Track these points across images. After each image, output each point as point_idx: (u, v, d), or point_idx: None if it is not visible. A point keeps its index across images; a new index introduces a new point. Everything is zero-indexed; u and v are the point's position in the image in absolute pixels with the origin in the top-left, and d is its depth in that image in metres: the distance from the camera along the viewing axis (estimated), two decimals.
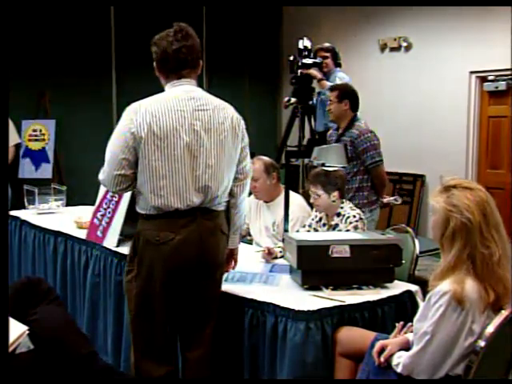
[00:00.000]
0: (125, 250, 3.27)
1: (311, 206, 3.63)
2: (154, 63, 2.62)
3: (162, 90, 2.64)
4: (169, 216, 2.52)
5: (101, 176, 2.60)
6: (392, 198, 4.45)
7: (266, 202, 3.87)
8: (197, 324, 2.68)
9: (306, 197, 3.78)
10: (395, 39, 7.19)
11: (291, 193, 3.73)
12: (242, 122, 2.70)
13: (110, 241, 3.45)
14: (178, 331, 2.71)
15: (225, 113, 2.61)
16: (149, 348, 2.59)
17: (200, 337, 2.68)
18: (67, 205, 4.86)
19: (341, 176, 3.45)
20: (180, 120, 2.50)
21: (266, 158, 3.89)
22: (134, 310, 2.61)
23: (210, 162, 2.55)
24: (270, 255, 3.34)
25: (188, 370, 2.71)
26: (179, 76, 2.57)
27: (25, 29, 6.44)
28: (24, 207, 4.79)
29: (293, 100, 5.16)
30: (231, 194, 2.73)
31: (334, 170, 3.39)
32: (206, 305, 2.68)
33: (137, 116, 2.48)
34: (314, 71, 4.96)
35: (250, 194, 3.95)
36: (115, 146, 2.51)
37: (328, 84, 4.92)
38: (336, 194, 3.37)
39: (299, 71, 4.97)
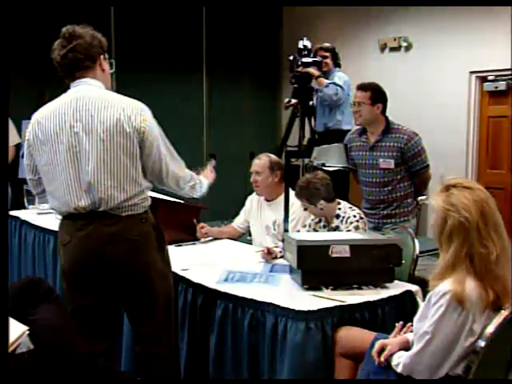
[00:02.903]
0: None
1: None
2: None
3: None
4: (68, 218, 2.59)
5: None
6: (424, 198, 4.22)
7: (268, 200, 3.88)
8: (138, 322, 2.70)
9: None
10: (395, 39, 7.19)
11: (293, 193, 3.74)
12: (138, 118, 2.51)
13: None
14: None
15: (110, 111, 2.49)
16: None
17: (145, 334, 2.69)
18: None
19: (321, 181, 3.40)
20: (60, 123, 2.52)
21: (273, 156, 3.94)
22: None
23: (93, 163, 2.47)
24: (269, 255, 3.35)
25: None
26: (73, 78, 2.59)
27: (25, 29, 6.45)
28: (24, 207, 4.79)
29: (293, 101, 5.18)
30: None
31: (314, 180, 3.39)
32: (136, 304, 2.65)
33: (30, 123, 2.62)
34: (312, 69, 4.97)
35: (251, 192, 3.98)
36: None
37: (326, 81, 4.92)
38: (322, 202, 3.38)
39: (298, 69, 4.99)
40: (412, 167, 3.85)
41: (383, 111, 3.89)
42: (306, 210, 3.57)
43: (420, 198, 4.00)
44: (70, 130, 2.50)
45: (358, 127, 4.07)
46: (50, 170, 2.55)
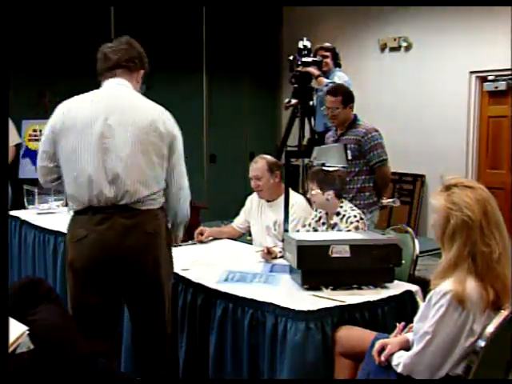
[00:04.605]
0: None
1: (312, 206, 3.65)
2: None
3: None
4: (84, 213, 2.60)
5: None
6: (391, 200, 4.45)
7: (268, 201, 3.88)
8: (143, 320, 2.72)
9: (307, 197, 3.78)
10: (395, 39, 7.19)
11: (293, 193, 3.74)
12: (172, 123, 2.73)
13: None
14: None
15: (145, 111, 2.64)
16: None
17: (150, 332, 2.73)
18: (67, 205, 4.85)
19: (340, 177, 3.46)
20: (94, 114, 2.59)
21: (269, 157, 3.91)
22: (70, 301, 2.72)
23: (124, 156, 2.56)
24: (269, 255, 3.35)
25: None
26: (112, 76, 2.74)
27: (24, 29, 6.44)
28: (24, 207, 4.79)
29: (293, 101, 5.19)
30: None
31: (335, 171, 3.40)
32: (145, 301, 2.69)
33: (57, 110, 2.67)
34: (312, 69, 4.97)
35: (252, 192, 3.98)
36: (41, 140, 2.71)
37: (326, 81, 4.93)
38: (331, 193, 3.38)
39: (298, 69, 4.99)
40: (369, 161, 4.11)
41: (352, 108, 4.22)
42: (308, 200, 3.56)
43: (385, 200, 4.29)
44: (103, 122, 2.57)
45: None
46: (76, 158, 2.57)
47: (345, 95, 4.16)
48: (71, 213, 2.72)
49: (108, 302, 2.69)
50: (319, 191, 3.40)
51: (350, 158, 3.92)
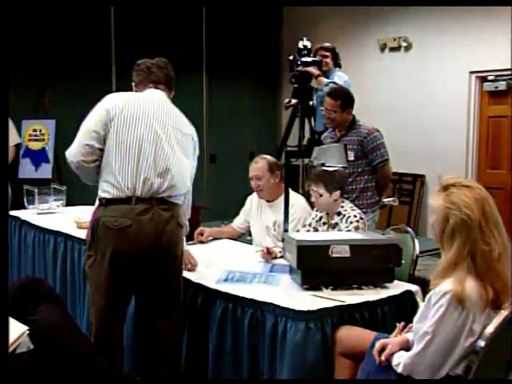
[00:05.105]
0: None
1: (312, 206, 3.64)
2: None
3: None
4: (126, 202, 2.68)
5: (69, 149, 2.80)
6: (391, 199, 4.47)
7: (268, 201, 3.88)
8: (161, 310, 2.82)
9: (307, 197, 3.78)
10: (395, 39, 7.19)
11: (293, 193, 3.74)
12: (195, 132, 3.00)
13: None
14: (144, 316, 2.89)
15: (181, 118, 2.94)
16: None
17: (165, 324, 2.82)
18: (67, 205, 4.86)
19: (342, 176, 3.47)
20: (144, 111, 2.78)
21: (269, 157, 3.90)
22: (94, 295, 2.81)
23: (170, 154, 2.77)
24: (269, 255, 3.34)
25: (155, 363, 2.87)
26: (155, 87, 2.98)
27: (25, 29, 6.44)
28: (24, 207, 4.79)
29: (293, 101, 5.19)
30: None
31: (337, 170, 3.39)
32: (167, 293, 2.82)
33: (113, 98, 2.80)
34: (311, 68, 4.97)
35: (251, 192, 3.98)
36: (89, 120, 2.78)
37: (325, 80, 4.93)
38: (337, 193, 3.39)
39: (298, 69, 4.99)
40: (372, 161, 4.12)
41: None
42: (312, 205, 3.56)
43: (386, 199, 4.31)
44: (157, 121, 2.79)
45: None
46: (129, 147, 2.71)
47: (344, 99, 4.13)
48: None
49: (130, 296, 2.84)
50: (326, 193, 3.39)
51: (352, 158, 4.01)
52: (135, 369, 3.01)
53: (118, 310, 2.81)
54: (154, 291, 2.81)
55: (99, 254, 2.72)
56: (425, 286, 2.37)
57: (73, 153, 2.77)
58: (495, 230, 2.12)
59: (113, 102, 2.77)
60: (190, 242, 3.76)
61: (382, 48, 7.38)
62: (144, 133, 2.73)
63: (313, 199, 3.50)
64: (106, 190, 2.72)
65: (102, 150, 2.74)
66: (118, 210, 2.68)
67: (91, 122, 2.75)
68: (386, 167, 4.18)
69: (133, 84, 3.02)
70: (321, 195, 3.40)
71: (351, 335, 2.49)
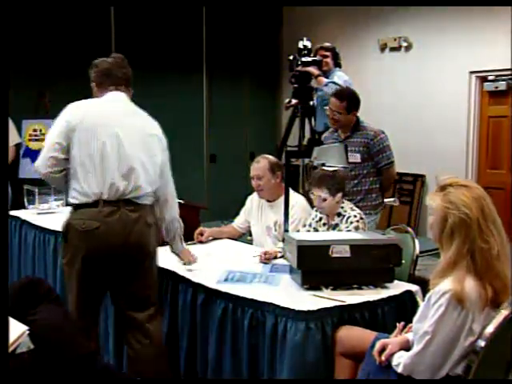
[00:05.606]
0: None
1: (312, 206, 3.63)
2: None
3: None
4: (93, 206, 2.79)
5: (36, 162, 2.88)
6: (392, 200, 4.47)
7: (269, 201, 3.87)
8: (134, 308, 2.93)
9: (307, 197, 3.78)
10: (395, 39, 7.19)
11: (293, 193, 3.73)
12: (161, 130, 3.04)
13: None
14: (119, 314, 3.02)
15: (143, 118, 3.00)
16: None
17: (139, 321, 2.93)
18: (67, 204, 4.85)
19: (343, 176, 3.46)
20: (107, 117, 2.87)
21: (271, 157, 3.90)
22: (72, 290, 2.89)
23: (135, 154, 2.85)
24: (267, 259, 3.32)
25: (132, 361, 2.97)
26: (115, 89, 3.02)
27: (25, 29, 6.44)
28: (24, 207, 4.79)
29: (294, 101, 5.18)
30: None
31: (337, 171, 3.38)
32: (140, 291, 2.92)
33: (73, 109, 2.89)
34: (311, 68, 4.97)
35: (252, 191, 3.98)
36: (52, 132, 2.87)
37: (325, 80, 4.93)
38: (340, 194, 3.38)
39: (297, 68, 4.99)
40: (378, 163, 4.10)
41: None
42: (312, 206, 3.55)
43: (387, 200, 4.30)
44: (118, 125, 2.86)
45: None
46: (92, 153, 2.80)
47: (350, 101, 4.08)
48: (68, 207, 2.94)
49: (103, 294, 2.95)
50: (329, 196, 3.36)
51: (359, 160, 4.02)
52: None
53: (89, 310, 2.91)
54: (128, 289, 2.91)
55: (70, 256, 2.85)
56: (425, 286, 2.36)
57: (40, 165, 2.87)
58: (494, 228, 2.12)
59: (73, 113, 2.87)
60: (189, 242, 3.76)
61: (382, 48, 7.38)
62: (106, 139, 2.81)
63: (316, 203, 3.46)
64: (74, 197, 2.85)
65: (67, 160, 2.84)
66: (86, 213, 2.80)
67: (53, 135, 2.85)
68: (391, 169, 4.17)
69: (92, 84, 3.06)
70: (324, 199, 3.36)
71: (351, 335, 2.49)
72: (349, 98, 4.09)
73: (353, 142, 4.06)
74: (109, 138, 2.82)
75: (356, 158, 4.03)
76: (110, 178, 2.79)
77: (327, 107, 4.28)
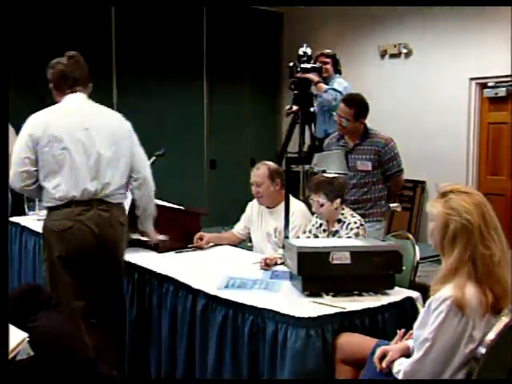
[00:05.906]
0: (126, 255, 3.27)
1: (313, 212, 3.63)
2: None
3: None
4: (67, 206, 2.97)
5: (10, 177, 2.98)
6: (395, 205, 4.41)
7: (269, 208, 3.87)
8: (103, 301, 3.11)
9: (307, 203, 3.77)
10: (395, 46, 7.20)
11: (294, 200, 3.73)
12: (130, 126, 3.19)
13: None
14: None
15: (112, 117, 3.17)
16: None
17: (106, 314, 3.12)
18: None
19: (341, 183, 3.45)
20: (72, 122, 3.00)
21: (271, 164, 3.89)
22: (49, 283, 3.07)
23: (102, 154, 3.00)
24: (267, 266, 3.31)
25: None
26: (72, 91, 3.17)
27: (25, 34, 6.45)
28: (24, 213, 4.78)
29: (294, 108, 5.19)
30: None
31: (336, 178, 3.38)
32: (108, 283, 3.13)
33: (34, 121, 3.04)
34: (311, 75, 4.98)
35: (252, 198, 3.97)
36: (17, 147, 3.02)
37: (325, 87, 4.94)
38: (338, 201, 3.37)
39: (297, 75, 5.00)
40: (387, 170, 4.09)
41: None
42: (312, 212, 3.54)
43: (391, 205, 4.24)
44: (81, 128, 2.99)
45: (336, 133, 4.26)
46: (61, 161, 2.95)
47: (359, 109, 4.01)
48: (43, 211, 3.16)
49: (85, 288, 3.06)
50: (327, 202, 3.37)
51: (370, 168, 4.00)
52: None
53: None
54: (97, 279, 3.07)
55: (48, 256, 3.04)
56: (425, 293, 2.36)
57: (14, 180, 3.01)
58: (495, 234, 2.12)
59: (35, 125, 3.01)
60: (189, 246, 3.76)
61: (383, 54, 7.40)
62: (70, 146, 2.95)
63: (314, 209, 3.47)
64: (48, 201, 3.02)
65: (37, 170, 3.00)
66: (60, 214, 2.98)
67: (20, 149, 2.99)
68: (400, 176, 4.17)
69: (51, 85, 3.21)
70: (322, 205, 3.37)
71: (352, 342, 2.48)
72: (358, 106, 4.02)
73: (363, 150, 4.03)
74: (73, 143, 2.96)
75: (367, 166, 4.00)
76: (81, 183, 2.96)
77: (335, 113, 4.24)
